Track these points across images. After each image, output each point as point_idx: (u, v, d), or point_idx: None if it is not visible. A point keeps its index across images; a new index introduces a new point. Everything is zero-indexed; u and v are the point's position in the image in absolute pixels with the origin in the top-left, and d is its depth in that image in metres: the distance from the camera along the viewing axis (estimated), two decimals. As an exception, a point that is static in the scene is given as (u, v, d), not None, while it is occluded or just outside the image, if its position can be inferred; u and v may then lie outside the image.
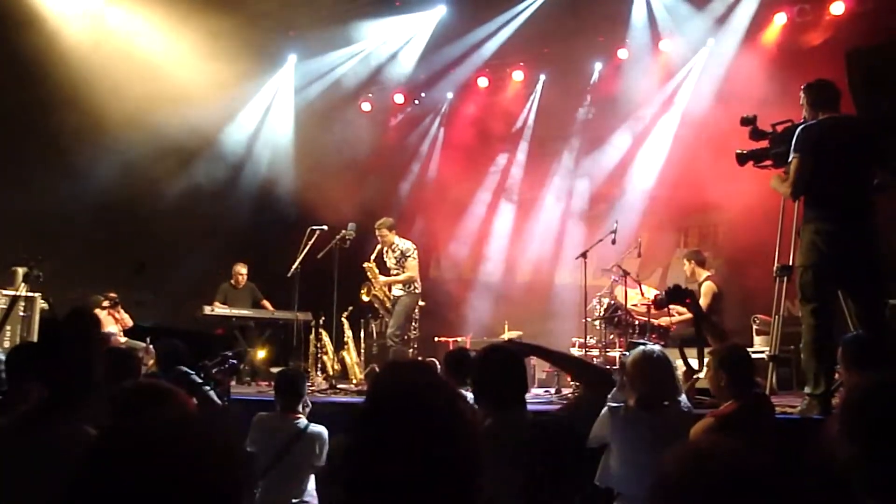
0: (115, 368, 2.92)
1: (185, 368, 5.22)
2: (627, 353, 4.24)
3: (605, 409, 3.94)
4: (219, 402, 5.02)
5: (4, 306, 8.86)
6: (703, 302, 8.48)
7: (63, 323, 2.94)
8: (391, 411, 1.73)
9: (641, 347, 4.12)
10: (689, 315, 8.49)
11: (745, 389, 4.25)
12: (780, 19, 10.37)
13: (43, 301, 9.09)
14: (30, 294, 9.01)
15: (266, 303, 10.97)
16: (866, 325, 5.22)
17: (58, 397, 2.58)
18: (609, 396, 4.07)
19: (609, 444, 3.93)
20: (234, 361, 8.90)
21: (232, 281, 11.07)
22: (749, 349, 8.17)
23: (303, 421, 5.01)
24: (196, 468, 1.24)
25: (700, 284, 8.72)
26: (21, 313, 9.05)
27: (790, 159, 5.44)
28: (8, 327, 8.79)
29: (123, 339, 10.02)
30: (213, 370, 5.69)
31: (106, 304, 10.20)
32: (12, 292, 8.90)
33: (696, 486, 1.46)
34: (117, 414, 2.43)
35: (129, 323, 10.34)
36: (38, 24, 9.85)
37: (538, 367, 9.78)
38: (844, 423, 1.94)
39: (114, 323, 10.22)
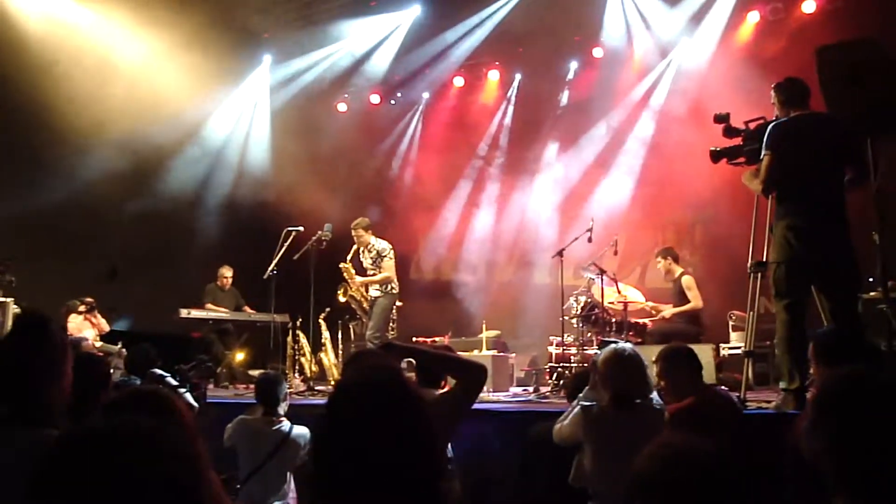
0: (82, 374, 2.88)
1: (161, 372, 5.21)
2: (599, 352, 4.25)
3: (577, 409, 3.95)
4: (195, 404, 5.01)
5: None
6: (692, 294, 8.58)
7: (10, 332, 2.87)
8: (348, 412, 1.74)
9: (612, 346, 4.14)
10: (671, 311, 8.63)
11: (697, 385, 4.36)
12: (752, 17, 10.48)
13: (15, 306, 8.98)
14: (2, 299, 8.90)
15: (248, 309, 10.92)
16: (839, 320, 5.26)
17: (13, 408, 2.54)
18: (580, 396, 4.09)
19: (582, 443, 3.94)
20: (210, 364, 8.90)
21: (218, 283, 11.03)
22: (725, 345, 8.33)
23: (286, 424, 5.00)
24: (147, 475, 1.23)
25: (678, 280, 8.79)
26: (-6, 318, 8.95)
27: (761, 156, 5.50)
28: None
29: (99, 344, 9.94)
30: (189, 373, 5.67)
31: (82, 308, 10.13)
32: (-16, 297, 8.81)
33: (668, 484, 1.47)
34: (109, 415, 2.39)
35: (106, 328, 10.28)
36: (8, 26, 9.73)
37: (516, 367, 9.81)
38: (813, 417, 1.95)
39: (91, 327, 10.15)
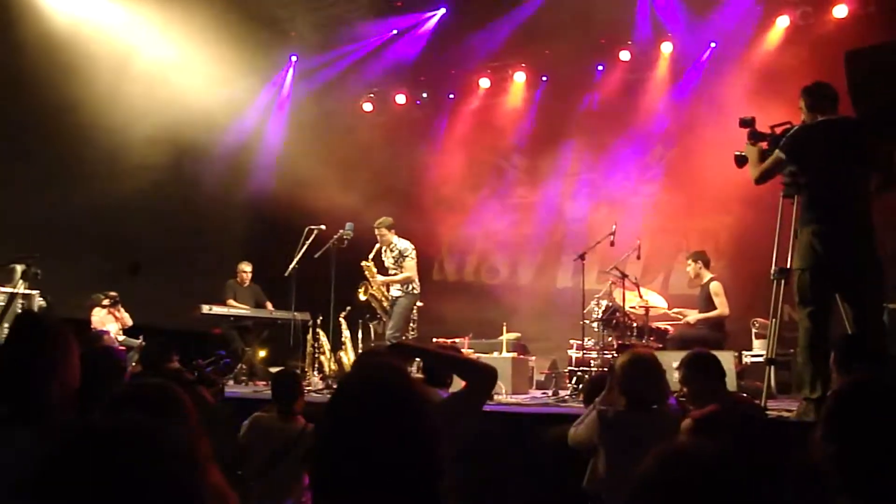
0: (96, 367, 2.89)
1: (177, 366, 5.23)
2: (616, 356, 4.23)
3: (593, 413, 3.91)
4: (211, 400, 5.02)
5: (2, 303, 8.85)
6: (719, 300, 8.48)
7: (8, 333, 2.88)
8: (348, 410, 1.73)
9: (630, 350, 4.10)
10: (696, 317, 8.55)
11: (721, 392, 4.30)
12: (782, 22, 10.36)
13: (41, 299, 9.07)
14: (28, 291, 8.99)
15: (269, 304, 10.95)
16: (863, 328, 5.18)
17: (12, 407, 2.55)
18: (597, 399, 4.05)
19: (597, 447, 3.90)
20: (229, 360, 8.94)
21: (237, 279, 11.07)
22: (748, 352, 8.23)
23: (301, 422, 4.98)
24: (143, 474, 1.22)
25: (706, 285, 8.69)
26: (19, 311, 9.03)
27: (775, 150, 5.45)
28: (6, 325, 8.77)
29: (121, 338, 10.03)
30: (207, 369, 5.69)
31: (106, 302, 10.23)
32: (10, 290, 8.90)
33: (669, 484, 1.45)
34: (113, 410, 2.39)
35: (129, 322, 10.36)
36: (37, 24, 9.83)
37: (536, 369, 9.78)
38: (824, 423, 1.93)
39: (114, 321, 10.24)
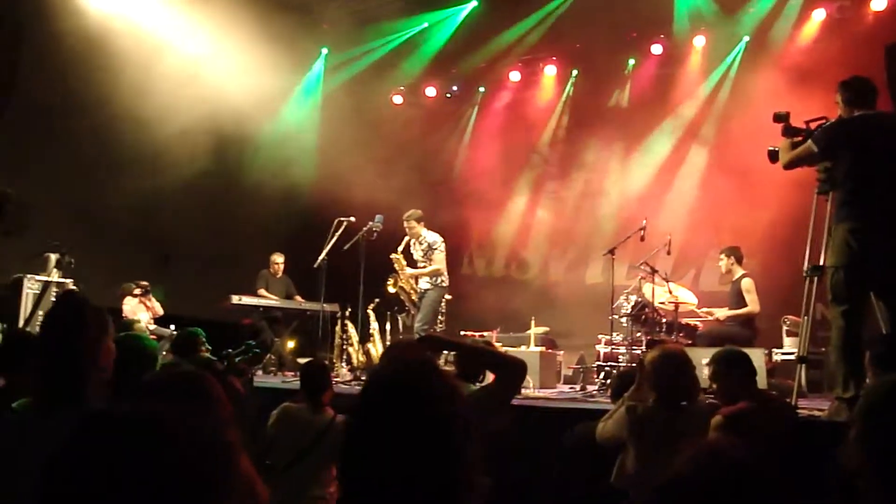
0: (127, 355, 2.92)
1: (208, 356, 5.27)
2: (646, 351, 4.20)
3: (622, 409, 3.89)
4: (240, 390, 5.05)
5: (37, 291, 8.98)
6: (750, 297, 8.38)
7: (51, 312, 2.90)
8: (379, 404, 1.72)
9: (660, 346, 4.07)
10: (725, 314, 8.46)
11: (751, 389, 4.26)
12: (818, 15, 10.21)
13: (74, 287, 9.19)
14: (61, 280, 9.11)
15: (299, 298, 11.01)
16: (896, 328, 5.10)
17: (48, 388, 2.57)
18: (626, 395, 4.03)
19: (625, 443, 3.88)
20: (258, 351, 8.99)
21: (270, 269, 11.14)
22: (778, 350, 8.14)
23: (330, 413, 5.00)
24: (173, 460, 1.22)
25: (737, 281, 8.60)
26: (53, 299, 9.16)
27: (809, 141, 5.39)
28: (40, 312, 8.90)
29: (153, 327, 10.13)
30: (237, 359, 5.72)
31: (138, 291, 10.33)
32: (45, 278, 9.03)
33: (704, 485, 1.43)
34: (144, 398, 2.41)
35: (160, 311, 10.46)
36: (76, 18, 9.93)
37: (564, 364, 9.75)
38: (857, 423, 1.90)
39: (145, 310, 10.34)
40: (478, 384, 4.24)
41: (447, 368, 4.15)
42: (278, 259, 11.15)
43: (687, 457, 1.49)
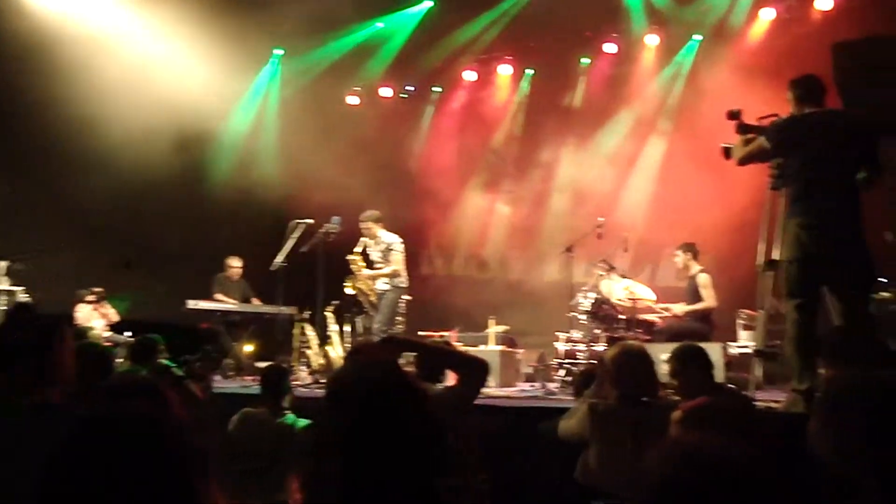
0: (82, 363, 2.87)
1: (166, 362, 5.20)
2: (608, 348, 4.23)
3: (583, 406, 3.91)
4: (199, 395, 4.99)
5: (-14, 300, 8.80)
6: (707, 293, 8.50)
7: (6, 322, 2.86)
8: (345, 407, 1.71)
9: (621, 343, 4.10)
10: (683, 309, 8.57)
11: (710, 384, 4.33)
12: (767, 14, 10.40)
13: (25, 295, 9.00)
14: (11, 288, 8.92)
15: (256, 300, 10.89)
16: (850, 320, 5.20)
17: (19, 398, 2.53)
18: (587, 392, 4.05)
19: (588, 440, 3.90)
20: (217, 356, 8.89)
21: (226, 273, 11.01)
22: (733, 344, 8.27)
23: (290, 417, 4.96)
24: (161, 466, 1.21)
25: (695, 277, 8.71)
26: (3, 307, 8.96)
27: (761, 137, 5.51)
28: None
29: (107, 334, 9.96)
30: (195, 364, 5.65)
31: (91, 298, 10.16)
32: (-6, 286, 8.84)
33: (689, 485, 1.43)
34: (101, 404, 2.39)
35: (115, 318, 10.31)
36: (21, 19, 9.73)
37: (524, 362, 9.78)
38: (821, 418, 1.93)
39: (99, 317, 10.17)
40: (439, 385, 4.23)
41: (409, 370, 4.14)
42: (235, 263, 11.02)
43: (662, 456, 1.50)
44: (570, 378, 8.14)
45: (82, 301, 10.14)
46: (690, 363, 4.35)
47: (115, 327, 10.24)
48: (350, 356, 3.70)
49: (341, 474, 1.66)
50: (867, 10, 9.31)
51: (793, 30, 10.04)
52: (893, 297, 5.71)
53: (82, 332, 8.55)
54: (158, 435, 1.26)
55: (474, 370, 2.98)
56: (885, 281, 6.47)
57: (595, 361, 7.92)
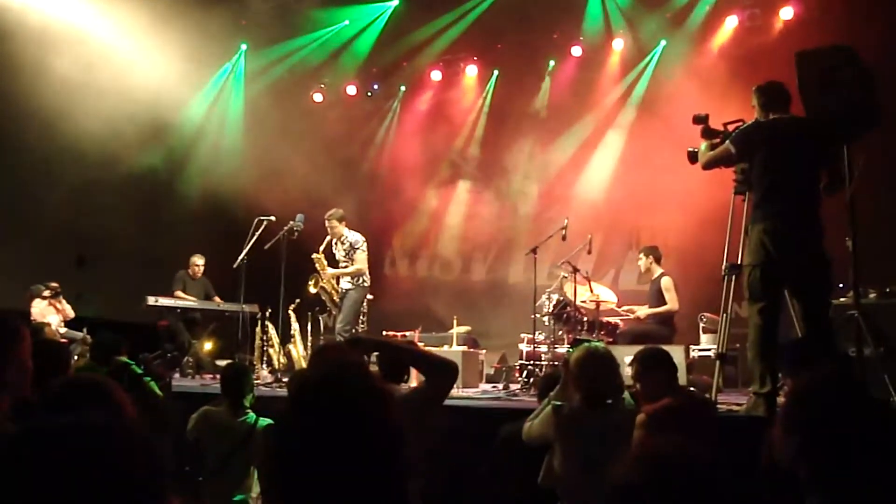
0: (39, 361, 2.79)
1: (125, 360, 5.09)
2: (571, 350, 4.22)
3: (548, 408, 3.89)
4: (159, 394, 4.89)
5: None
6: (670, 296, 8.56)
7: None
8: (311, 409, 1.68)
9: (585, 345, 4.09)
10: (646, 312, 8.63)
11: (673, 387, 4.35)
12: (731, 22, 10.52)
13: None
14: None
15: (218, 299, 10.77)
16: (811, 325, 5.27)
17: None
18: (551, 395, 4.03)
19: (552, 443, 3.87)
20: (176, 354, 8.76)
21: (189, 271, 10.87)
22: (695, 347, 8.34)
23: (252, 416, 4.90)
24: (111, 475, 1.16)
25: (657, 280, 8.77)
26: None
27: (726, 142, 5.57)
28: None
29: (63, 330, 9.78)
30: (155, 363, 5.55)
31: (47, 293, 9.98)
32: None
33: (653, 488, 1.42)
34: (48, 409, 2.33)
35: (71, 314, 10.12)
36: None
37: (486, 363, 9.78)
38: (784, 423, 1.95)
39: (55, 313, 9.98)
40: (402, 385, 4.20)
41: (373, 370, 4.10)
42: (198, 261, 10.89)
43: (627, 460, 1.49)
44: (531, 379, 8.17)
45: (38, 296, 9.94)
46: (654, 366, 4.37)
47: (71, 323, 10.05)
48: (316, 356, 3.64)
49: (305, 477, 1.62)
50: (826, 20, 9.45)
51: (757, 37, 10.18)
52: (852, 302, 5.78)
53: (38, 329, 8.40)
54: (108, 447, 1.20)
55: (443, 372, 2.95)
56: (842, 286, 6.56)
57: (558, 363, 7.95)
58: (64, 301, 10.07)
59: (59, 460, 1.15)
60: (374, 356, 3.82)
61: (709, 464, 1.43)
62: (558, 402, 3.94)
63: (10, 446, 1.18)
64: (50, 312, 9.94)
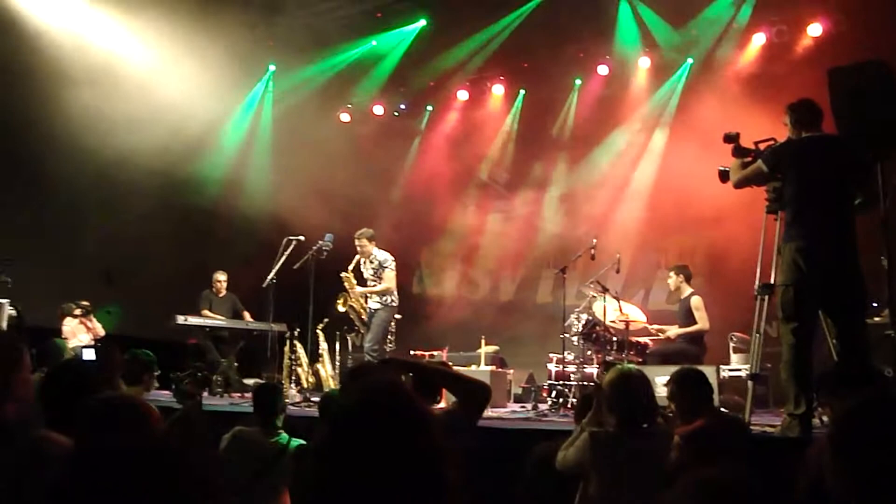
0: (63, 380, 2.86)
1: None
2: (603, 372, 4.17)
3: (584, 435, 3.80)
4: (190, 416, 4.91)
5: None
6: (699, 315, 8.49)
7: None
8: (355, 433, 1.67)
9: (618, 367, 4.04)
10: (676, 331, 8.56)
11: (708, 408, 4.30)
12: (758, 39, 10.46)
13: (11, 308, 8.88)
14: (-1, 300, 8.80)
15: (246, 314, 10.81)
16: (846, 344, 5.20)
17: None
18: (585, 421, 3.95)
19: (588, 470, 3.78)
20: (206, 373, 8.82)
21: (213, 289, 10.94)
22: (725, 367, 8.26)
23: (284, 437, 4.89)
24: (168, 496, 1.17)
25: (686, 299, 8.70)
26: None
27: (758, 160, 5.55)
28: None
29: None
30: (184, 382, 5.58)
31: (78, 312, 10.05)
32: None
33: None
34: (91, 428, 2.35)
35: (101, 332, 10.18)
36: (18, 29, 9.69)
37: (514, 383, 9.74)
38: (833, 453, 1.91)
39: (86, 331, 10.06)
40: (435, 406, 4.17)
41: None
42: (220, 277, 10.95)
43: (678, 490, 1.46)
44: (560, 399, 8.12)
45: (69, 315, 10.03)
46: (691, 387, 4.33)
47: (101, 341, 10.12)
48: (351, 380, 3.62)
49: (345, 499, 1.62)
50: (855, 36, 9.38)
51: (786, 54, 10.11)
52: (887, 321, 5.70)
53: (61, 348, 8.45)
54: (160, 468, 1.21)
55: (477, 394, 2.93)
56: (877, 305, 6.48)
57: (587, 383, 7.90)
58: (94, 319, 10.15)
59: (119, 480, 1.16)
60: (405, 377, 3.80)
61: (762, 493, 1.41)
62: (594, 429, 3.85)
63: (71, 465, 1.19)
64: (81, 331, 10.01)
